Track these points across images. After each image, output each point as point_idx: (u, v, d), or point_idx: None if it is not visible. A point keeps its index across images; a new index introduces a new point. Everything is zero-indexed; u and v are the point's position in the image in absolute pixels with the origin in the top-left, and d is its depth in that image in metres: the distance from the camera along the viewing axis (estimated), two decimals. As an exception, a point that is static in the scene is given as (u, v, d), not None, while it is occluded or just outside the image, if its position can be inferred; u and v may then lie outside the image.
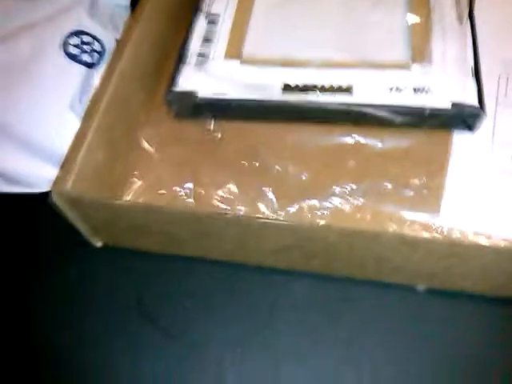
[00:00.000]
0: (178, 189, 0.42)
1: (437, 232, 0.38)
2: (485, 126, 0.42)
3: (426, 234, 0.35)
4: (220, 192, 0.42)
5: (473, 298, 0.38)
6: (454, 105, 0.40)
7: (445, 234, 0.38)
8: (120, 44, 0.43)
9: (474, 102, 0.41)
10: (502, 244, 0.34)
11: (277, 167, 0.43)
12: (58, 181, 0.36)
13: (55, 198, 0.36)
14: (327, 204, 0.41)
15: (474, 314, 0.38)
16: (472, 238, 0.37)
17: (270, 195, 0.41)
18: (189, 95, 0.44)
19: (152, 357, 0.38)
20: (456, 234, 0.38)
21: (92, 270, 0.42)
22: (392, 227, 0.39)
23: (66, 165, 0.37)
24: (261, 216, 0.38)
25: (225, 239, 0.38)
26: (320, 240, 0.35)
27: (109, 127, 0.40)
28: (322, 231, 0.34)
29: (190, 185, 0.42)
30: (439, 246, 0.33)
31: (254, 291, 0.41)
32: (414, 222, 0.39)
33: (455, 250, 0.33)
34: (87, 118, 0.39)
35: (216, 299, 0.40)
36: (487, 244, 0.34)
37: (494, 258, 0.34)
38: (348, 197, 0.41)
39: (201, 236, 0.38)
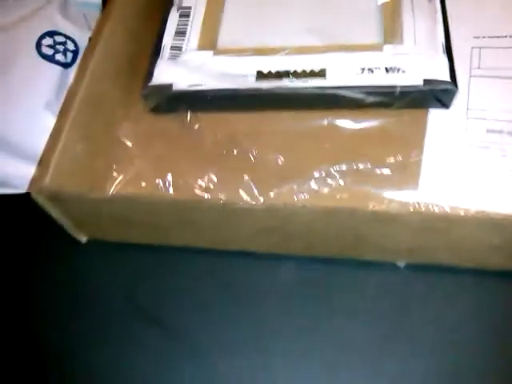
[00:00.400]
0: (159, 181, 0.42)
1: (414, 207, 0.38)
2: (459, 100, 0.42)
3: (401, 209, 0.35)
4: (200, 181, 0.42)
5: (451, 270, 0.38)
6: (425, 81, 0.41)
7: (422, 209, 0.38)
8: (91, 41, 0.43)
9: (446, 77, 0.41)
10: (477, 215, 0.34)
11: (255, 154, 0.43)
12: (36, 177, 0.37)
13: (35, 195, 0.36)
14: (306, 187, 0.41)
15: (453, 286, 0.38)
16: (446, 210, 0.37)
17: (250, 182, 0.42)
18: (164, 88, 0.44)
19: (143, 348, 0.39)
20: (433, 209, 0.38)
21: (80, 266, 0.43)
22: (370, 205, 0.39)
23: (43, 161, 0.37)
24: (239, 200, 0.38)
25: (206, 226, 0.39)
26: (297, 220, 0.35)
27: (85, 123, 0.40)
28: (298, 211, 0.34)
29: (170, 176, 0.43)
30: (413, 219, 0.33)
31: (241, 278, 0.41)
32: (393, 200, 0.40)
33: (430, 223, 0.34)
34: (62, 114, 0.39)
35: (204, 287, 0.41)
36: (462, 215, 0.34)
37: (469, 229, 0.34)
38: (326, 179, 0.41)
39: (183, 224, 0.39)
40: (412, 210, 0.38)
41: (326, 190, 0.41)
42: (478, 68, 0.43)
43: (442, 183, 0.40)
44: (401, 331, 0.38)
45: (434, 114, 0.43)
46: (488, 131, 0.41)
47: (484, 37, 0.45)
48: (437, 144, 0.41)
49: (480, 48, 0.44)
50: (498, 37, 0.45)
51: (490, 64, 0.44)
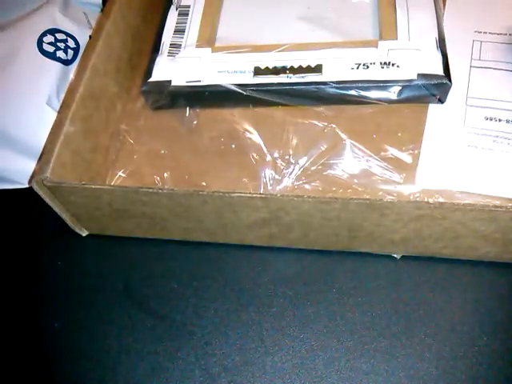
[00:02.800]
0: (158, 174, 0.43)
1: (409, 197, 0.39)
2: (459, 89, 0.43)
3: (396, 198, 0.35)
4: (198, 175, 0.43)
5: (446, 261, 0.40)
6: (419, 75, 0.42)
7: (418, 198, 0.39)
8: (92, 39, 0.44)
9: (440, 71, 0.42)
10: (471, 204, 0.34)
11: (253, 149, 0.44)
12: (37, 169, 0.37)
13: (36, 187, 0.37)
14: (304, 179, 0.42)
15: (448, 277, 0.39)
16: (441, 198, 0.38)
17: (248, 175, 0.42)
18: (163, 84, 0.45)
19: (141, 337, 0.39)
20: (428, 198, 0.39)
21: (79, 258, 0.43)
22: (366, 195, 0.40)
23: (45, 154, 0.38)
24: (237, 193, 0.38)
25: (204, 218, 0.39)
26: (295, 212, 0.36)
27: (85, 118, 0.41)
28: (296, 202, 0.35)
29: (169, 172, 0.43)
30: (409, 207, 0.34)
31: (238, 269, 0.42)
32: (389, 190, 0.40)
33: (424, 212, 0.34)
34: (63, 109, 0.40)
35: (202, 279, 0.41)
36: (456, 203, 0.34)
37: (462, 218, 0.35)
38: (323, 171, 0.42)
39: (181, 217, 0.39)
40: (407, 198, 0.39)
41: (323, 182, 0.41)
42: (479, 59, 0.44)
43: (439, 171, 0.40)
44: (397, 319, 0.38)
45: (433, 106, 0.44)
46: (486, 119, 0.42)
47: (485, 32, 0.46)
48: (436, 133, 0.42)
49: (481, 42, 0.45)
50: (498, 33, 0.46)
51: (490, 57, 0.45)
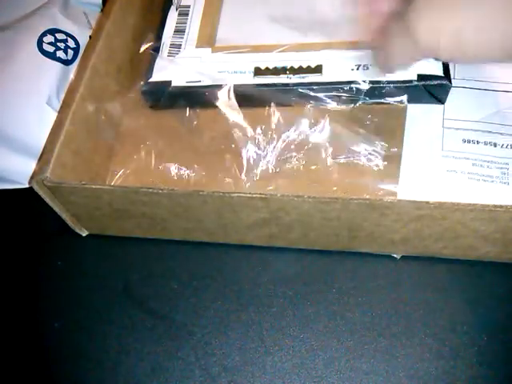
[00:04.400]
0: (157, 175, 0.43)
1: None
2: (436, 110, 0.43)
3: (392, 199, 0.36)
4: (198, 175, 0.43)
5: (447, 261, 0.40)
6: (419, 76, 0.42)
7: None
8: (92, 39, 0.44)
9: (439, 72, 0.42)
10: (471, 204, 0.34)
11: (253, 149, 0.44)
12: (37, 170, 0.37)
13: (36, 187, 0.37)
14: (303, 179, 0.42)
15: (449, 277, 0.39)
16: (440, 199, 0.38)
17: (248, 175, 0.43)
18: (163, 85, 0.45)
19: (141, 337, 0.39)
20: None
21: (78, 258, 0.43)
22: (365, 195, 0.40)
23: (45, 154, 0.38)
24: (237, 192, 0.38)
25: (204, 219, 0.39)
26: (295, 212, 0.36)
27: (85, 118, 0.41)
28: (295, 202, 0.35)
29: (168, 170, 0.43)
30: (408, 208, 0.34)
31: (238, 269, 0.42)
32: (388, 190, 0.40)
33: (424, 212, 0.34)
34: (63, 109, 0.40)
35: (201, 279, 0.41)
36: (456, 203, 0.34)
37: (462, 218, 0.35)
38: (322, 171, 0.42)
39: (181, 216, 0.39)
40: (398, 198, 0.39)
41: (322, 182, 0.42)
42: (453, 78, 0.44)
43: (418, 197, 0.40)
44: (397, 319, 0.38)
45: (410, 130, 0.43)
46: (464, 141, 0.41)
47: None
48: (414, 158, 0.41)
49: None
50: None
51: (465, 75, 0.44)
